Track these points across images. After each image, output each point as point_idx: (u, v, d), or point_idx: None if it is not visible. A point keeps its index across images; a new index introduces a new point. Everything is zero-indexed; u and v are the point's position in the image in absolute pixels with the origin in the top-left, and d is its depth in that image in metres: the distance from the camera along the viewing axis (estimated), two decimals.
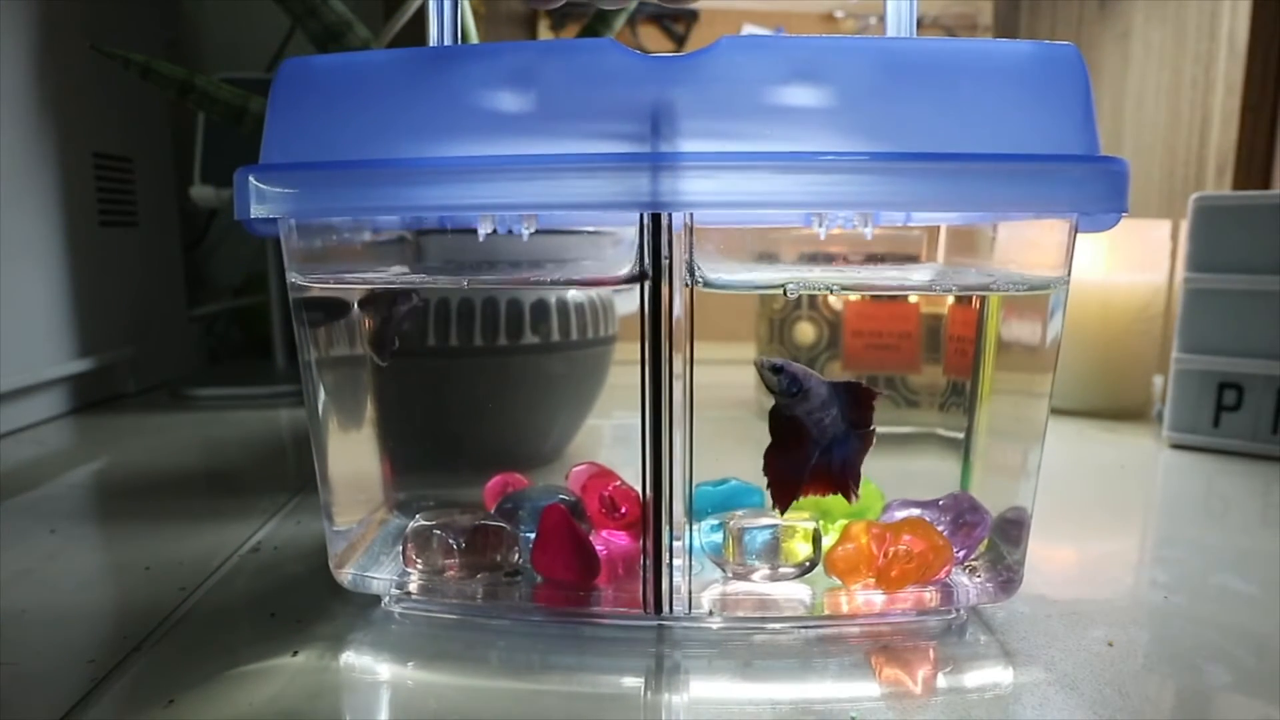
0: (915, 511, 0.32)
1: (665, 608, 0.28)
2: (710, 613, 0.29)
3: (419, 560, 0.30)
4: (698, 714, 0.25)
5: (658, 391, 0.27)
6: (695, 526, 0.30)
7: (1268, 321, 0.53)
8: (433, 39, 0.29)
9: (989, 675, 0.27)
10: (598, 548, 0.30)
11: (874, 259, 0.34)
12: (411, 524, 0.31)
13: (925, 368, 0.49)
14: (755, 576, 0.30)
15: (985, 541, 0.32)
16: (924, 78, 0.25)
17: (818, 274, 0.32)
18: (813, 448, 0.28)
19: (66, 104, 0.65)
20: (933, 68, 0.25)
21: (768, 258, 0.36)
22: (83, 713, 0.24)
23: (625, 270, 0.27)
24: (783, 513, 0.29)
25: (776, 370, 0.28)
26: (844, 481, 0.28)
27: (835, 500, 0.33)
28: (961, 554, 0.31)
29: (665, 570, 0.28)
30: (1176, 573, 0.35)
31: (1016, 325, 0.31)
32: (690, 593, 0.29)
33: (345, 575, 0.31)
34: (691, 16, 1.33)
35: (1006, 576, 0.30)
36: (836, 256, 0.34)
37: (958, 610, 0.30)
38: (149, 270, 0.79)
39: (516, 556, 0.31)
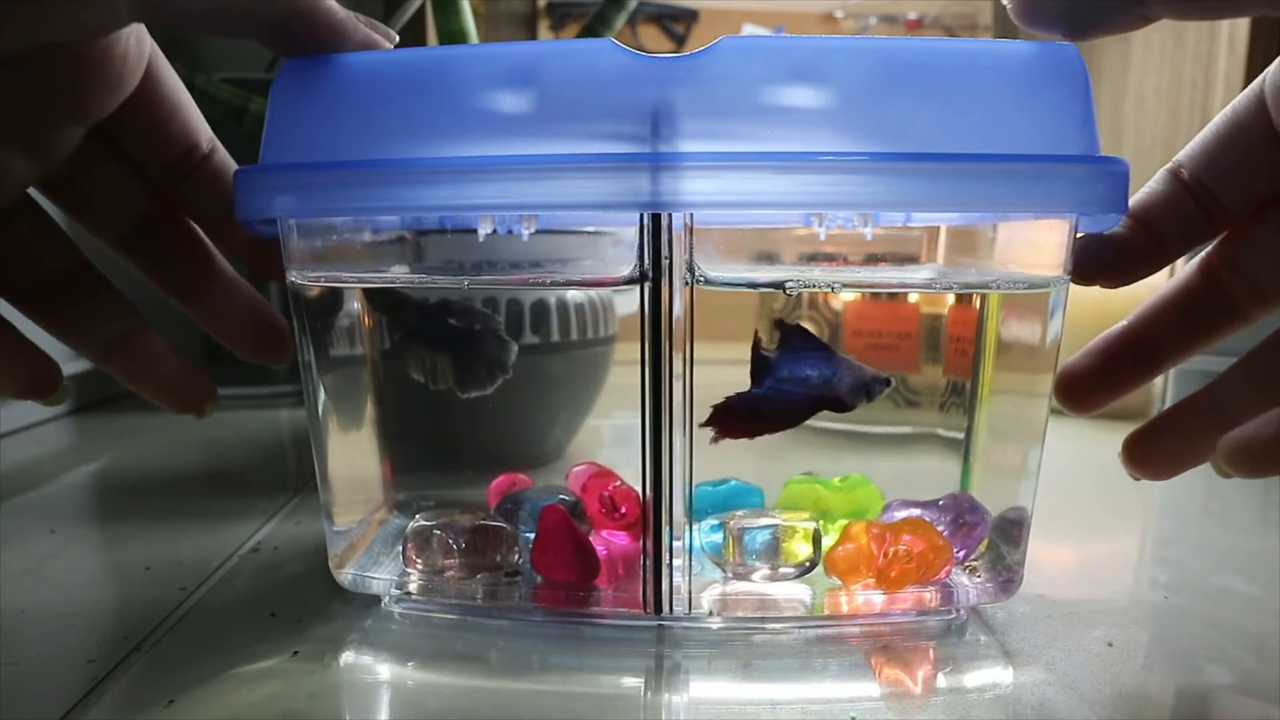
0: (915, 511, 0.32)
1: (665, 608, 0.28)
2: (710, 613, 0.29)
3: (419, 560, 0.30)
4: (698, 714, 0.25)
5: (658, 391, 0.27)
6: (695, 526, 0.30)
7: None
8: None
9: (989, 675, 0.27)
10: (598, 548, 0.30)
11: (874, 259, 0.34)
12: (411, 524, 0.31)
13: (925, 368, 0.49)
14: (755, 576, 0.30)
15: (985, 541, 0.32)
16: (924, 78, 0.25)
17: (818, 273, 0.32)
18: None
19: None
20: (933, 68, 0.25)
21: (768, 258, 0.35)
22: (83, 713, 0.24)
23: (625, 270, 0.27)
24: (707, 426, 0.29)
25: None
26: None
27: (835, 499, 0.33)
28: (961, 554, 0.31)
29: (665, 570, 0.28)
30: (1176, 573, 0.35)
31: (1016, 325, 0.31)
32: (690, 593, 0.29)
33: (345, 575, 0.31)
34: (691, 16, 1.33)
35: (1006, 576, 0.30)
36: (837, 257, 0.34)
37: (958, 610, 0.30)
38: None
39: (516, 556, 0.31)
